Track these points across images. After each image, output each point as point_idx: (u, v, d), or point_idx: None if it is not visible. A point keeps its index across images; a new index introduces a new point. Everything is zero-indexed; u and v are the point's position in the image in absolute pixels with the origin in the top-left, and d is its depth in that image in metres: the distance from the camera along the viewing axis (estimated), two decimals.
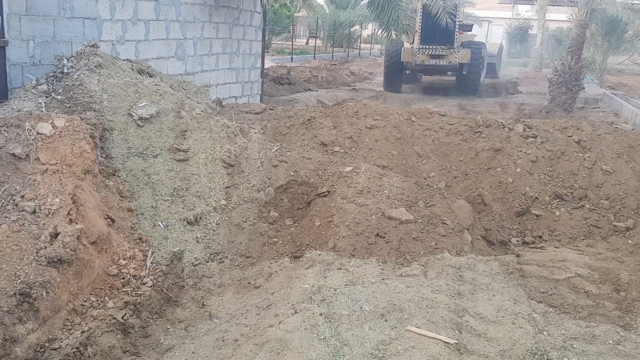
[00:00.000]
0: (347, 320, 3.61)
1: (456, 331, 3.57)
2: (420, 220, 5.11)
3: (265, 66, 19.39)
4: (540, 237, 5.83)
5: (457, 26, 17.01)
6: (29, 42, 6.38)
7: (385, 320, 3.61)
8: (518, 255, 5.21)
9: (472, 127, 7.27)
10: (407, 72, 18.79)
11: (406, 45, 17.81)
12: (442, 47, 17.08)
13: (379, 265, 4.57)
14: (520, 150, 6.69)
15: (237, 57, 11.32)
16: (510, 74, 24.32)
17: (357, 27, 36.99)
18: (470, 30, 19.64)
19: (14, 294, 3.57)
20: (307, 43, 38.02)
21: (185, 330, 3.96)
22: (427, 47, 17.15)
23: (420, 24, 17.13)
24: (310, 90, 17.58)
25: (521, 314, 3.86)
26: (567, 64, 14.48)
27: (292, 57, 26.73)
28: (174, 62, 9.24)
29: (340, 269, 4.40)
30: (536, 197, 6.21)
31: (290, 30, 33.23)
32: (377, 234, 4.91)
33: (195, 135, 5.57)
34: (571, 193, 6.26)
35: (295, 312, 3.70)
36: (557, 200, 6.18)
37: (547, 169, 6.50)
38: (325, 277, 4.30)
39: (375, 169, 5.74)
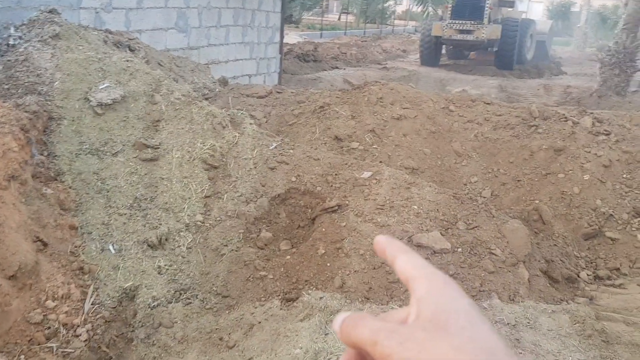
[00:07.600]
0: None
1: None
2: (459, 250, 3.81)
3: (292, 42, 18.09)
4: (618, 269, 4.46)
5: (488, 2, 16.88)
6: None
7: None
8: (591, 299, 3.89)
9: (525, 119, 5.86)
10: (450, 47, 18.71)
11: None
12: (472, 22, 16.87)
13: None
14: (589, 152, 5.27)
15: (252, 30, 10.01)
16: (552, 53, 22.52)
17: (391, 2, 35.06)
18: (512, 7, 18.64)
19: None
20: (339, 19, 36.25)
21: None
22: (456, 21, 16.95)
23: None
24: (337, 68, 16.22)
25: None
26: (621, 43, 12.78)
27: (321, 33, 25.24)
28: (174, 34, 8.00)
29: None
30: (611, 214, 4.81)
31: (321, 5, 31.62)
32: None
33: (170, 126, 4.34)
34: None
35: None
36: (639, 219, 4.78)
37: (625, 176, 5.08)
38: (327, 334, 3.07)
39: (401, 175, 4.42)
